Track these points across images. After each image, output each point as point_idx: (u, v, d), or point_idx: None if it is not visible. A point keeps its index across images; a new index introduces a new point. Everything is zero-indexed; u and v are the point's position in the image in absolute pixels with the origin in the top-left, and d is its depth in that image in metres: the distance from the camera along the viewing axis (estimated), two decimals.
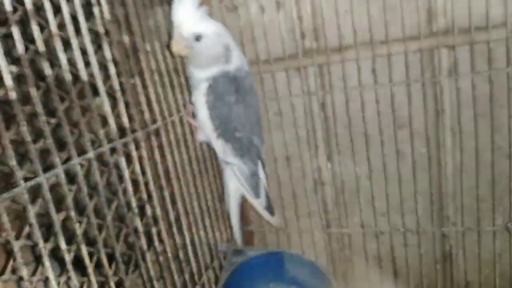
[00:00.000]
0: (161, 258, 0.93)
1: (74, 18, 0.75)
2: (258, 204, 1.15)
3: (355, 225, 1.34)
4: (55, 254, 0.85)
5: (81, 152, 0.74)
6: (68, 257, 0.69)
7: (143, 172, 0.90)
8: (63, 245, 0.69)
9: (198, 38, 0.94)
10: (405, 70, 1.12)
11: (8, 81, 0.61)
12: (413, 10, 1.11)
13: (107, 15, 0.82)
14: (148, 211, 0.91)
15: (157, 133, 0.96)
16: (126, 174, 0.84)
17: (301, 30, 1.21)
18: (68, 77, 0.72)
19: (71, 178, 0.75)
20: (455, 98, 1.11)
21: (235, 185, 1.14)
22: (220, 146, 1.06)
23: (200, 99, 1.01)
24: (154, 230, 0.91)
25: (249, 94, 1.05)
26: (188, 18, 0.92)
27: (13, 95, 0.61)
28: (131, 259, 0.95)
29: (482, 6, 1.04)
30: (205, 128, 1.05)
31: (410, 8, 1.11)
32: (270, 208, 1.17)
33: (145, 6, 0.98)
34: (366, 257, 1.33)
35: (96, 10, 0.80)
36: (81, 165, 0.75)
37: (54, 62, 0.73)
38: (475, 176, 1.15)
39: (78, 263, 0.74)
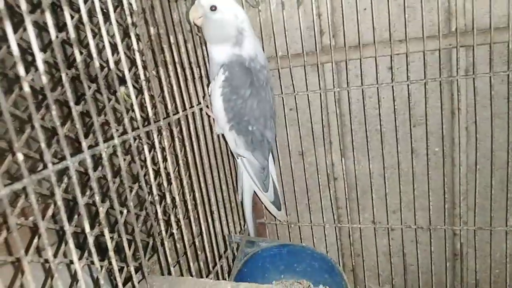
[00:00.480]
0: (178, 245, 0.94)
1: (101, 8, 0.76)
2: (266, 197, 1.18)
3: (367, 221, 1.34)
4: (76, 239, 0.87)
5: (106, 138, 0.76)
6: (91, 240, 0.70)
7: (164, 160, 0.91)
8: (87, 228, 0.70)
9: (213, 8, 0.95)
10: (423, 69, 1.12)
11: (41, 66, 0.62)
12: (432, 9, 1.11)
13: (135, 6, 0.83)
14: (168, 198, 0.92)
15: (178, 123, 0.96)
16: (148, 161, 0.85)
17: (320, 27, 1.21)
18: (96, 64, 0.73)
19: (95, 162, 0.76)
20: (472, 98, 1.10)
21: (248, 177, 1.16)
22: (232, 138, 1.07)
23: (216, 91, 1.02)
24: (172, 218, 0.92)
25: (264, 88, 1.05)
26: None
27: (44, 79, 0.63)
28: (149, 245, 0.96)
29: (503, 6, 1.03)
30: (219, 119, 1.06)
31: (429, 7, 1.11)
32: (276, 203, 1.20)
33: (170, 0, 0.99)
34: (377, 253, 1.32)
35: (125, 1, 0.81)
36: (106, 151, 0.77)
37: (80, 50, 0.74)
38: (489, 176, 1.14)
39: (98, 248, 0.75)
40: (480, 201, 1.17)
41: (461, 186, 1.21)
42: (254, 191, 1.22)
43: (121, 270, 0.81)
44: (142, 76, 0.85)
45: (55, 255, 0.78)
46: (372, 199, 1.25)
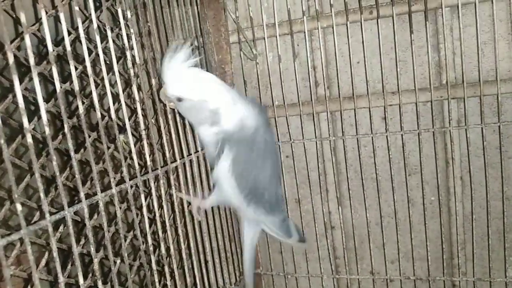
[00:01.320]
0: None
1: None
2: (292, 241, 1.14)
3: (365, 272, 1.32)
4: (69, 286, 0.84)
5: (104, 187, 0.76)
6: None
7: (160, 208, 0.91)
8: (81, 280, 0.69)
9: (179, 99, 0.90)
10: (416, 119, 1.15)
11: (44, 117, 0.64)
12: (423, 63, 1.16)
13: (137, 58, 0.86)
14: (162, 247, 0.91)
15: (175, 170, 0.97)
16: (144, 209, 0.85)
17: (315, 78, 1.25)
18: (98, 115, 0.75)
19: (91, 210, 0.76)
20: (465, 148, 1.13)
21: (254, 233, 1.13)
22: (251, 212, 1.02)
23: (223, 174, 0.96)
24: (166, 268, 0.91)
25: (266, 144, 0.99)
26: (174, 77, 0.87)
27: (47, 130, 0.64)
28: None
29: (491, 60, 1.08)
30: (229, 198, 1.00)
31: (420, 61, 1.16)
32: (302, 238, 1.16)
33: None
34: None
35: (128, 53, 0.84)
36: (103, 200, 0.77)
37: (83, 100, 0.76)
38: (485, 225, 1.14)
39: None
40: (478, 251, 1.17)
41: (458, 236, 1.20)
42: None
43: None
44: (142, 125, 0.87)
45: None
46: (370, 249, 1.23)
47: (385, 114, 1.16)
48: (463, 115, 1.13)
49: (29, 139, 0.61)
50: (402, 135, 1.14)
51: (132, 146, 0.84)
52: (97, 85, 0.84)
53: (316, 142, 1.25)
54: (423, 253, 1.20)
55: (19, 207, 0.59)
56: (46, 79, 0.80)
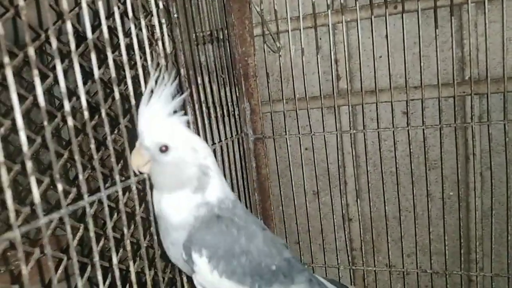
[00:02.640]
0: None
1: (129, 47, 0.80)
2: None
3: (381, 264, 1.32)
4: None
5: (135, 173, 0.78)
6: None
7: None
8: (114, 260, 0.71)
9: (163, 149, 0.70)
10: (438, 114, 1.15)
11: (84, 101, 0.66)
12: (446, 58, 1.16)
13: (168, 48, 0.88)
14: None
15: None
16: None
17: (337, 72, 1.26)
18: (132, 101, 0.77)
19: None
20: (486, 144, 1.12)
21: None
22: None
23: (208, 276, 0.73)
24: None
25: (250, 219, 0.80)
26: (154, 123, 0.70)
27: (86, 114, 0.66)
28: None
29: None
30: None
31: (443, 56, 1.16)
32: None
33: (198, 43, 1.05)
34: None
35: (159, 43, 0.86)
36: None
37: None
38: (504, 222, 1.14)
39: None
40: (496, 247, 1.16)
41: (476, 232, 1.20)
42: None
43: None
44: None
45: None
46: (387, 242, 1.24)
47: (407, 108, 1.16)
48: (485, 111, 1.13)
49: (69, 122, 0.63)
50: (423, 129, 1.15)
51: None
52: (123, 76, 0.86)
53: (337, 135, 1.26)
54: (440, 247, 1.21)
55: (59, 187, 0.61)
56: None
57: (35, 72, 0.57)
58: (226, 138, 1.12)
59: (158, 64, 0.84)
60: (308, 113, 1.25)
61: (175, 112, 0.71)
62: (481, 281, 1.21)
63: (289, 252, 0.83)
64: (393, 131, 1.20)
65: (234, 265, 0.73)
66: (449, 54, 1.14)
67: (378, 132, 1.20)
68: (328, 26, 1.18)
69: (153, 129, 0.70)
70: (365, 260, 1.32)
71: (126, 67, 0.75)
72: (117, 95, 0.72)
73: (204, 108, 1.01)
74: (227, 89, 1.16)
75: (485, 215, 1.19)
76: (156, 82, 0.70)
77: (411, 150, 1.17)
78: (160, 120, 0.70)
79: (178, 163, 0.71)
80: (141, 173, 0.75)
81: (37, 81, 0.58)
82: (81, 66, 0.66)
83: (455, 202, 1.21)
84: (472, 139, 1.15)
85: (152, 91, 0.70)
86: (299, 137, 1.28)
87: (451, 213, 1.22)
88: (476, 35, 1.14)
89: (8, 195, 0.52)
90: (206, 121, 1.02)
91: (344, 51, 1.20)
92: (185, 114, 0.78)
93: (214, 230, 0.72)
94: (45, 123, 0.59)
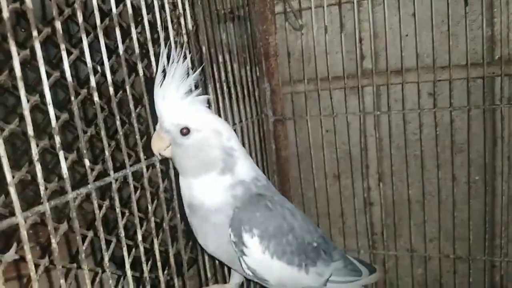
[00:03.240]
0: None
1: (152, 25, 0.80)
2: (364, 278, 0.91)
3: (402, 249, 1.32)
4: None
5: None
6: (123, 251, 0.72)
7: None
8: (139, 236, 0.72)
9: (184, 131, 0.68)
10: (466, 96, 1.12)
11: (109, 77, 0.66)
12: (475, 37, 1.13)
13: (190, 25, 0.87)
14: None
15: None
16: None
17: (361, 51, 1.23)
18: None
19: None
20: None
21: None
22: (314, 277, 0.79)
23: (259, 260, 0.72)
24: None
25: (286, 200, 0.81)
26: (173, 105, 0.67)
27: (111, 90, 0.66)
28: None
29: None
30: (282, 284, 0.77)
31: (472, 35, 1.13)
32: (371, 269, 0.93)
33: (219, 21, 1.04)
34: (412, 282, 1.30)
35: (182, 20, 0.85)
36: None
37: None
38: None
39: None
40: None
41: (502, 217, 1.19)
42: None
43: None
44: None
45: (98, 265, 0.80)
46: (409, 226, 1.24)
47: (434, 89, 1.14)
48: None
49: (95, 98, 0.64)
50: (450, 111, 1.13)
51: None
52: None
53: (360, 116, 1.24)
54: (464, 232, 1.20)
55: (87, 162, 0.62)
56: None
57: (62, 46, 0.58)
58: (246, 119, 1.12)
59: (176, 43, 0.83)
60: (330, 94, 1.24)
61: (193, 91, 0.69)
62: (504, 267, 1.20)
63: (320, 229, 0.84)
64: (419, 113, 1.18)
65: (284, 244, 0.72)
66: (479, 33, 1.11)
67: (403, 113, 1.18)
68: (353, 3, 1.16)
69: (172, 111, 0.67)
70: (386, 245, 1.32)
71: (150, 44, 0.75)
72: (140, 71, 0.73)
73: (224, 88, 1.01)
74: (248, 68, 1.15)
75: (511, 200, 1.17)
76: (169, 61, 0.68)
77: (437, 133, 1.15)
78: (179, 101, 0.67)
79: (201, 146, 0.69)
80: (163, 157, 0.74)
81: (64, 55, 0.58)
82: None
83: (480, 187, 1.19)
84: (500, 121, 1.12)
85: (165, 71, 0.67)
86: (320, 119, 1.27)
87: (476, 197, 1.21)
88: (508, 13, 1.10)
89: (38, 168, 0.54)
90: (227, 101, 1.02)
91: (370, 29, 1.18)
92: (206, 93, 0.78)
93: (260, 208, 0.70)
94: (72, 97, 0.59)
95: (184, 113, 0.68)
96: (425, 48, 1.16)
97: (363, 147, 1.29)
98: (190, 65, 0.69)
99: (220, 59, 1.00)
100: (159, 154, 0.71)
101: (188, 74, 0.68)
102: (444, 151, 1.20)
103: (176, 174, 0.77)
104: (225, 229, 0.70)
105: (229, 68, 1.04)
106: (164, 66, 0.68)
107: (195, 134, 0.68)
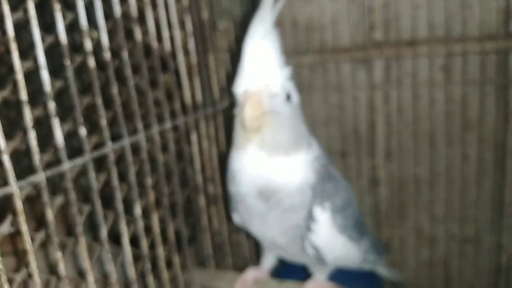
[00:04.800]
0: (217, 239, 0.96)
1: None
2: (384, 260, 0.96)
3: (409, 229, 1.33)
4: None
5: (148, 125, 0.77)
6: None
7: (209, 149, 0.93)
8: (138, 210, 0.72)
9: (288, 97, 0.63)
10: (478, 71, 1.11)
11: (89, 46, 0.64)
12: (490, 9, 1.10)
13: None
14: (212, 189, 0.93)
15: (224, 111, 0.98)
16: (196, 148, 0.88)
17: (371, 21, 1.21)
18: (155, 45, 0.75)
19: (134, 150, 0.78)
20: None
21: None
22: (361, 250, 0.80)
23: (325, 237, 0.70)
24: (214, 211, 0.94)
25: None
26: (278, 67, 0.62)
27: (92, 62, 0.63)
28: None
29: None
30: (344, 263, 0.81)
31: (488, 7, 1.10)
32: (387, 249, 0.97)
33: None
34: (417, 263, 1.32)
35: None
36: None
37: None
38: None
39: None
40: None
41: (510, 196, 1.19)
42: None
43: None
44: (194, 61, 0.87)
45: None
46: (416, 206, 1.24)
47: (446, 62, 1.12)
48: None
49: (91, 63, 0.62)
50: (462, 87, 1.11)
51: (186, 82, 0.85)
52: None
53: (368, 92, 1.23)
54: (471, 213, 1.21)
55: (83, 131, 0.61)
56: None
57: (57, 6, 0.56)
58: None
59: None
60: (336, 67, 1.22)
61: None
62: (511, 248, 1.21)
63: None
64: (429, 89, 1.17)
65: (347, 218, 0.71)
66: (493, 5, 1.09)
67: (413, 89, 1.17)
68: None
69: (277, 74, 0.60)
70: (390, 224, 1.33)
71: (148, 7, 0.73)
72: (138, 36, 0.71)
73: (227, 56, 0.99)
74: None
75: None
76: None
77: (448, 110, 1.14)
78: (281, 64, 0.62)
79: (296, 116, 0.65)
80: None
81: (58, 16, 0.57)
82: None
83: (491, 166, 1.19)
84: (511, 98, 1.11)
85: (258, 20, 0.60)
86: (326, 94, 1.26)
87: (485, 177, 1.21)
88: None
89: (32, 136, 0.53)
90: (229, 70, 1.00)
91: None
92: None
93: (331, 182, 0.68)
94: (68, 62, 0.58)
95: (285, 77, 0.63)
96: (438, 19, 1.14)
97: (370, 123, 1.28)
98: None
99: (222, 27, 0.98)
100: (251, 125, 0.60)
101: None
102: (454, 128, 1.19)
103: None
104: (300, 210, 0.67)
105: (230, 36, 1.02)
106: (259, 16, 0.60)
107: (294, 101, 0.64)
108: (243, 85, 0.61)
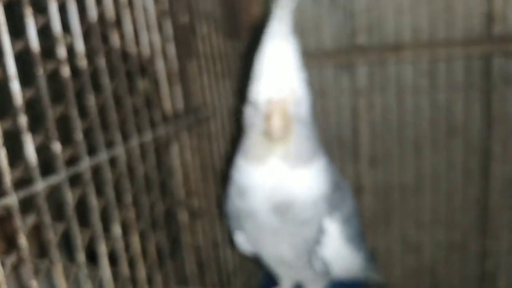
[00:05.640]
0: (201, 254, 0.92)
1: None
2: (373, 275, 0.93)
3: (394, 236, 1.33)
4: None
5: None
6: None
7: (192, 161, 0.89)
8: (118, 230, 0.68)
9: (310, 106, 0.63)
10: (463, 76, 1.13)
11: (63, 53, 0.59)
12: (474, 13, 1.12)
13: None
14: (195, 202, 0.90)
15: (207, 120, 0.95)
16: (177, 160, 0.84)
17: (354, 25, 1.21)
18: (133, 51, 0.72)
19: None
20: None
21: None
22: (362, 260, 0.77)
23: (336, 249, 0.68)
24: (199, 224, 0.91)
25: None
26: (299, 74, 0.61)
27: (66, 71, 0.59)
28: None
29: None
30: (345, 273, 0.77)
31: (472, 11, 1.12)
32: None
33: None
34: (403, 270, 1.32)
35: None
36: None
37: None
38: None
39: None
40: None
41: (495, 202, 1.21)
42: None
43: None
44: (175, 68, 0.83)
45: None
46: (401, 213, 1.25)
47: (429, 69, 1.13)
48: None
49: (65, 72, 0.58)
50: (446, 93, 1.13)
51: (166, 89, 0.81)
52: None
53: (350, 97, 1.23)
54: (456, 218, 1.22)
55: (57, 146, 0.57)
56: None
57: (28, 11, 0.52)
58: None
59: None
60: (320, 72, 1.21)
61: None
62: (496, 252, 1.23)
63: None
64: (413, 94, 1.18)
65: (353, 227, 0.68)
66: (476, 10, 1.11)
67: (397, 94, 1.18)
68: None
69: (298, 75, 0.59)
70: (375, 231, 1.32)
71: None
72: (116, 40, 0.67)
73: (210, 64, 0.96)
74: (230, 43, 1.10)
75: (505, 184, 1.19)
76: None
77: (432, 115, 1.15)
78: (299, 63, 0.60)
79: (313, 123, 0.62)
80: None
81: (30, 21, 0.52)
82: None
83: (476, 172, 1.21)
84: (496, 103, 1.13)
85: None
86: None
87: (470, 182, 1.22)
88: None
89: (2, 155, 0.48)
90: (207, 78, 0.97)
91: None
92: None
93: (339, 191, 0.65)
94: (40, 71, 0.54)
95: (306, 81, 0.62)
96: (422, 23, 1.15)
97: (354, 129, 1.28)
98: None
99: (205, 31, 0.95)
100: (278, 136, 0.57)
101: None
102: (439, 134, 1.20)
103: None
104: (313, 224, 0.63)
105: (214, 42, 0.99)
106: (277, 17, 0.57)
107: (310, 109, 0.62)
108: (265, 93, 0.57)
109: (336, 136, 1.28)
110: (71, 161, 0.62)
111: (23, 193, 0.51)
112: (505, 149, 1.19)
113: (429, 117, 1.17)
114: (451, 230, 1.24)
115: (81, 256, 0.61)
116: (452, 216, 1.22)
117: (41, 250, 0.83)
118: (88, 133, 0.69)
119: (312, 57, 1.21)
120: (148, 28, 0.76)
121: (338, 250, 0.67)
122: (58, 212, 0.66)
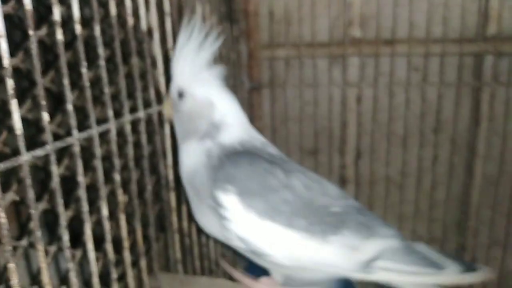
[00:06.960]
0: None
1: None
2: (450, 276, 0.66)
3: None
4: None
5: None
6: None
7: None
8: (105, 212, 0.63)
9: (180, 94, 0.69)
10: (455, 72, 1.11)
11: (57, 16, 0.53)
12: (471, 12, 1.11)
13: None
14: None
15: None
16: (169, 142, 0.79)
17: (350, 17, 1.17)
18: (130, 22, 0.66)
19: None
20: (503, 107, 1.10)
21: None
22: (340, 246, 0.64)
23: (245, 222, 0.63)
24: (184, 209, 0.86)
25: (292, 163, 0.72)
26: (180, 69, 0.69)
27: (59, 34, 0.53)
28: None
29: None
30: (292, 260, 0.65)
31: (468, 9, 1.10)
32: (465, 266, 0.66)
33: None
34: None
35: None
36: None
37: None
38: (506, 191, 1.14)
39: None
40: (496, 215, 1.18)
41: (476, 198, 1.21)
42: None
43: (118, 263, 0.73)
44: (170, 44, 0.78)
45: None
46: (384, 206, 1.23)
47: (421, 63, 1.11)
48: (503, 72, 1.10)
49: (59, 35, 0.52)
50: (437, 88, 1.11)
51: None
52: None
53: (342, 89, 1.20)
54: (439, 213, 1.22)
55: (45, 116, 0.51)
56: None
57: None
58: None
59: None
60: (313, 62, 1.17)
61: (206, 60, 0.68)
62: (474, 248, 1.23)
63: (357, 202, 0.71)
64: (405, 88, 1.15)
65: (276, 202, 0.62)
66: (472, 8, 1.09)
67: (389, 87, 1.15)
68: None
69: (178, 75, 0.69)
70: None
71: None
72: (112, 8, 0.62)
73: None
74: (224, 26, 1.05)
75: (487, 181, 1.18)
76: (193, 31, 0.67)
77: (421, 110, 1.13)
78: (186, 65, 0.68)
79: (189, 111, 0.69)
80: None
81: None
82: None
83: (460, 168, 1.20)
84: (485, 101, 1.12)
85: (191, 35, 0.66)
86: (301, 89, 1.21)
87: (454, 178, 1.21)
88: None
89: None
90: None
91: None
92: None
93: (238, 162, 0.65)
94: (31, 32, 0.48)
95: (186, 77, 0.68)
96: (417, 19, 1.12)
97: (342, 121, 1.25)
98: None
99: (199, 10, 0.89)
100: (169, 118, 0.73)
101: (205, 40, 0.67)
102: (426, 129, 1.19)
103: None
104: (205, 190, 0.65)
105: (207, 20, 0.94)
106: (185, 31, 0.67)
107: (188, 99, 0.69)
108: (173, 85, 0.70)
109: (326, 127, 1.25)
110: (62, 137, 0.57)
111: (4, 164, 0.45)
112: (490, 147, 1.18)
113: (418, 112, 1.15)
114: (432, 225, 1.23)
115: (65, 236, 0.55)
116: (434, 211, 1.21)
117: (20, 228, 0.77)
118: (79, 108, 0.63)
119: (306, 46, 1.18)
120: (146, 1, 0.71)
121: (252, 226, 0.63)
122: (41, 187, 0.61)
